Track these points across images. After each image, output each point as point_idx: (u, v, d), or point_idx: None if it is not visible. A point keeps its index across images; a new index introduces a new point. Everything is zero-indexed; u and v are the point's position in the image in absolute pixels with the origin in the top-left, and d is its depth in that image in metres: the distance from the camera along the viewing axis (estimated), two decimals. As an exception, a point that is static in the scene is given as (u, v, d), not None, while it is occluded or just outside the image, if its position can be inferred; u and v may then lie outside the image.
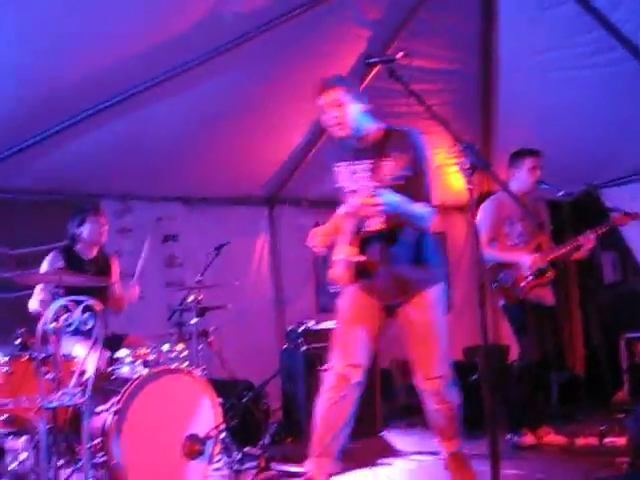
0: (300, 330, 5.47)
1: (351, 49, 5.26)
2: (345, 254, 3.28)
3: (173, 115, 5.38)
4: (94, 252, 4.73)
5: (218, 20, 4.52)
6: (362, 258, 3.27)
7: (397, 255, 3.35)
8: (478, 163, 2.78)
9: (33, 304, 4.50)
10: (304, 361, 5.30)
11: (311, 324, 5.53)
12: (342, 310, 3.50)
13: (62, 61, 4.57)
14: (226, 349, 5.06)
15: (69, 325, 3.30)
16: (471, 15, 5.26)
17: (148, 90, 4.96)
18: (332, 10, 4.76)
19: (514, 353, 5.49)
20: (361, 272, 3.31)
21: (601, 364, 6.67)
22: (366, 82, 5.26)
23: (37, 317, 4.36)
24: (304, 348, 5.35)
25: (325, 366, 3.56)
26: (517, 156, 4.83)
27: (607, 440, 4.53)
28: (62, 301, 3.27)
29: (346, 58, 5.25)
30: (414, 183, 3.18)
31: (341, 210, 3.41)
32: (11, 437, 3.94)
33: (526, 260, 4.63)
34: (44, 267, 4.52)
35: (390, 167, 3.02)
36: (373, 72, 5.23)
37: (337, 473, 3.49)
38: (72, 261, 4.53)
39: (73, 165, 5.61)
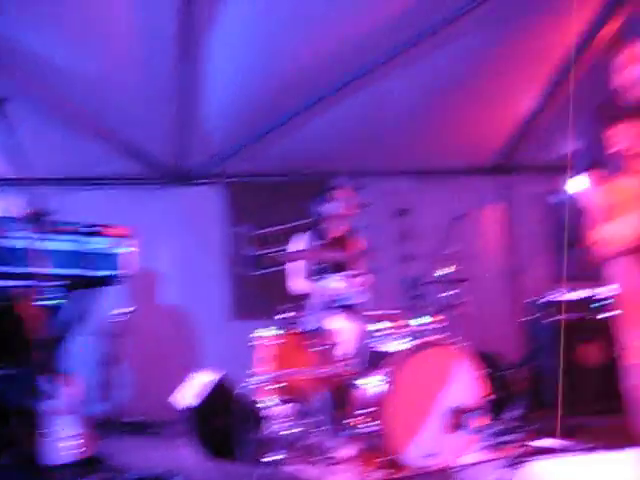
0: (545, 301, 5.27)
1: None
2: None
3: (404, 90, 5.38)
4: (339, 230, 4.77)
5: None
6: None
7: None
8: None
9: (294, 282, 4.55)
10: (552, 334, 5.07)
11: (556, 295, 5.29)
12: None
13: (297, 46, 4.76)
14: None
15: (336, 300, 3.39)
16: None
17: (381, 66, 5.02)
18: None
19: None
20: None
21: None
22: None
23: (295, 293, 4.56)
24: (551, 320, 5.15)
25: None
26: None
27: None
28: (337, 277, 3.36)
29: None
30: None
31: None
32: (280, 404, 4.20)
33: None
34: (299, 245, 4.56)
35: None
36: None
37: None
38: (322, 238, 4.62)
39: (309, 146, 5.82)
